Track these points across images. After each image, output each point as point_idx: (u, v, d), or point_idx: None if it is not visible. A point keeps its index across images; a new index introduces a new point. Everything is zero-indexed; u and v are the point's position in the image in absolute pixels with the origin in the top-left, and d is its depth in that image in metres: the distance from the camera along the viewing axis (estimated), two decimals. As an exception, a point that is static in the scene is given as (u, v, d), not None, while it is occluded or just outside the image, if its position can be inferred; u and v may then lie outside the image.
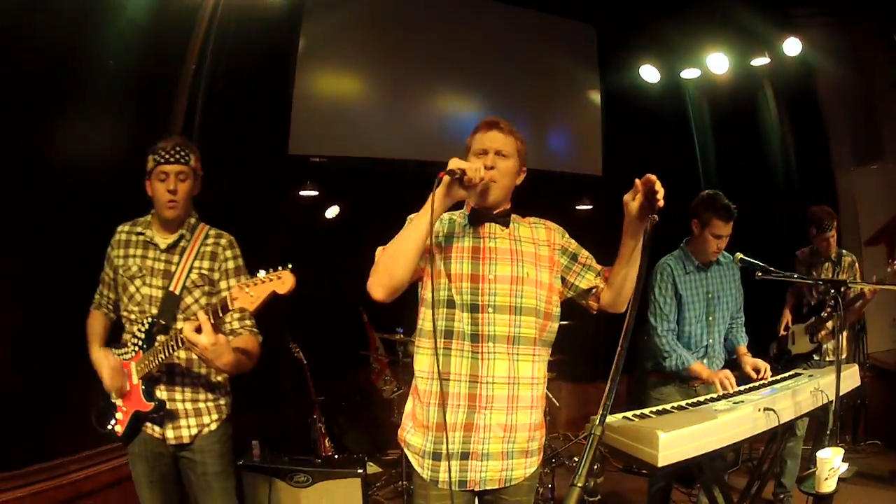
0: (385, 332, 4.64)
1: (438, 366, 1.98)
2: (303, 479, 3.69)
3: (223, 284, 2.46)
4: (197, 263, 2.45)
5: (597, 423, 1.44)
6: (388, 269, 1.92)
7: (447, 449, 1.98)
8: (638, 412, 2.55)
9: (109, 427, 2.52)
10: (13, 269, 2.96)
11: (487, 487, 2.04)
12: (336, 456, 4.35)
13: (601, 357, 6.39)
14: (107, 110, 3.40)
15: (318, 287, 4.76)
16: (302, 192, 5.21)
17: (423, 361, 2.07)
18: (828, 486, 2.30)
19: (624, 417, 2.46)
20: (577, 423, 5.68)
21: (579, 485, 1.40)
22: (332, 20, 5.08)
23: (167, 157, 2.36)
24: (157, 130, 3.91)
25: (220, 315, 2.13)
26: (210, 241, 2.50)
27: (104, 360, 2.45)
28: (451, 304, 2.01)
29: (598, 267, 2.19)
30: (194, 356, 2.38)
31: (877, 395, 5.21)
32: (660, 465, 2.13)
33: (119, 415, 2.48)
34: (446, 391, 1.99)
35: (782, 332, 4.39)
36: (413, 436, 2.09)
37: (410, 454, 2.09)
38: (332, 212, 5.46)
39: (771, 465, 3.00)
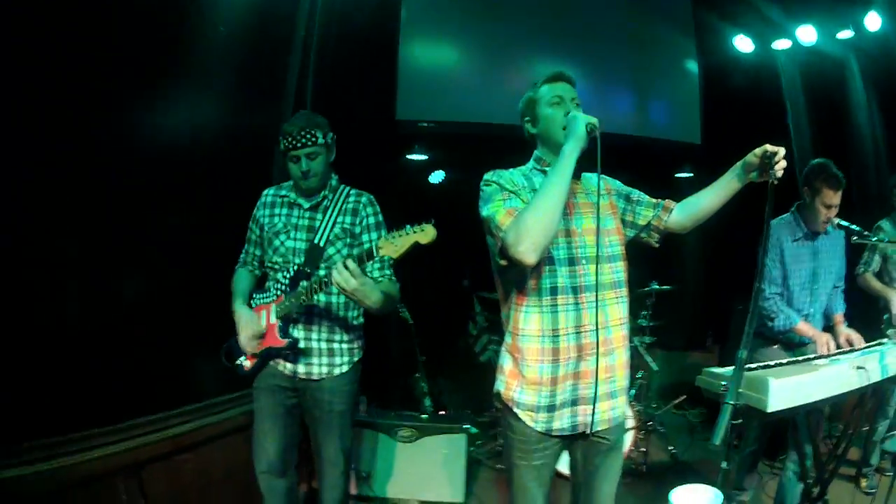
0: (488, 292, 4.67)
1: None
2: (408, 435, 3.80)
3: (364, 237, 2.68)
4: (340, 219, 2.68)
5: (741, 347, 1.78)
6: (545, 230, 1.90)
7: (560, 400, 2.08)
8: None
9: (238, 362, 2.75)
10: (130, 234, 3.09)
11: (599, 429, 2.13)
12: (442, 412, 4.41)
13: (695, 325, 6.39)
14: (219, 77, 3.49)
15: (425, 250, 4.81)
16: (410, 157, 5.31)
17: (531, 320, 2.10)
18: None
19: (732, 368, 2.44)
20: (669, 391, 5.56)
21: (731, 402, 1.73)
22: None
23: (294, 143, 2.55)
24: (270, 97, 4.05)
25: (365, 261, 2.34)
26: (352, 199, 2.73)
27: (245, 320, 2.67)
28: (551, 261, 2.07)
29: (654, 200, 2.29)
30: (333, 300, 2.67)
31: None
32: (769, 410, 2.19)
33: None
34: (558, 346, 2.06)
35: None
36: (523, 393, 2.12)
37: (521, 411, 2.12)
38: (436, 177, 5.49)
39: (856, 429, 3.09)
